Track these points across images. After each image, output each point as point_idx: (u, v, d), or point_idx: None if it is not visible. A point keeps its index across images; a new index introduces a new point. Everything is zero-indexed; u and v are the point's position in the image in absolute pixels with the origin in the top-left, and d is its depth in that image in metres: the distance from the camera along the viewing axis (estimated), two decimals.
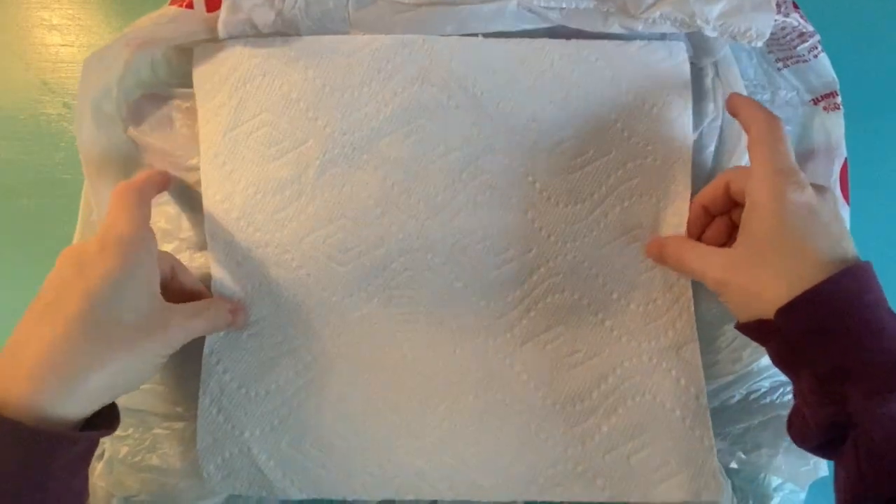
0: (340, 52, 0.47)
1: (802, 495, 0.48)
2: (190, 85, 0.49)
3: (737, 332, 0.42)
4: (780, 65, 0.50)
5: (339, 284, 0.48)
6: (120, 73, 0.47)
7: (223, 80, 0.48)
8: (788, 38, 0.48)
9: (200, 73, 0.49)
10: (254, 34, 0.47)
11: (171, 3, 0.48)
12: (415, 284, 0.48)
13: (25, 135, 0.53)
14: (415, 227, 0.48)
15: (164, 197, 0.49)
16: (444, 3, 0.47)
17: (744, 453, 0.48)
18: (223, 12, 0.46)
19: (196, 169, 0.49)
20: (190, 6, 0.47)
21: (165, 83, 0.50)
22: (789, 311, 0.37)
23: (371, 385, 0.47)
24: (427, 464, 0.47)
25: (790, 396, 0.47)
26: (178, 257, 0.47)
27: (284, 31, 0.47)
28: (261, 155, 0.48)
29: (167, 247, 0.49)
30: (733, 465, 0.48)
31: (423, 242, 0.48)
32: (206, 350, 0.48)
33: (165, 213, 0.50)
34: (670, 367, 0.47)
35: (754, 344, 0.44)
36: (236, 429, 0.47)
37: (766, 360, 0.47)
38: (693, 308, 0.47)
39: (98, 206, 0.47)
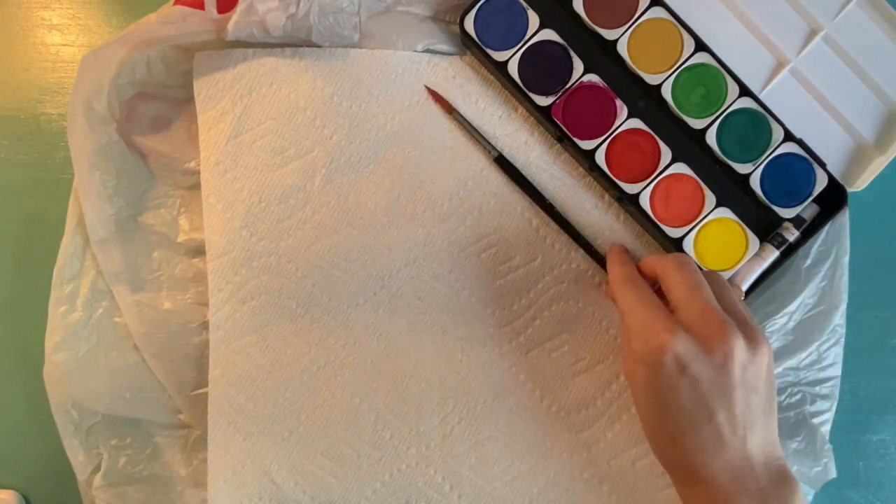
0: (350, 64, 0.47)
1: (809, 497, 0.48)
2: (187, 85, 0.48)
3: None
4: None
5: (345, 294, 0.48)
6: (114, 72, 0.46)
7: (227, 87, 0.48)
8: None
9: (201, 80, 0.48)
10: (262, 37, 0.46)
11: (176, 3, 0.47)
12: (421, 293, 0.48)
13: (25, 135, 0.52)
14: (421, 235, 0.48)
15: (159, 199, 0.49)
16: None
17: None
18: (237, 14, 0.45)
19: (193, 172, 0.49)
20: (200, 6, 0.46)
21: (162, 83, 0.49)
22: None
23: (378, 394, 0.48)
24: (436, 472, 0.47)
25: (799, 397, 0.48)
26: (173, 263, 0.47)
27: (294, 35, 0.47)
28: (265, 163, 0.48)
29: (161, 251, 0.49)
30: None
31: (428, 251, 0.48)
32: (210, 363, 0.47)
33: (161, 217, 0.49)
34: None
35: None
36: (248, 440, 0.47)
37: None
38: None
39: (88, 207, 0.46)
